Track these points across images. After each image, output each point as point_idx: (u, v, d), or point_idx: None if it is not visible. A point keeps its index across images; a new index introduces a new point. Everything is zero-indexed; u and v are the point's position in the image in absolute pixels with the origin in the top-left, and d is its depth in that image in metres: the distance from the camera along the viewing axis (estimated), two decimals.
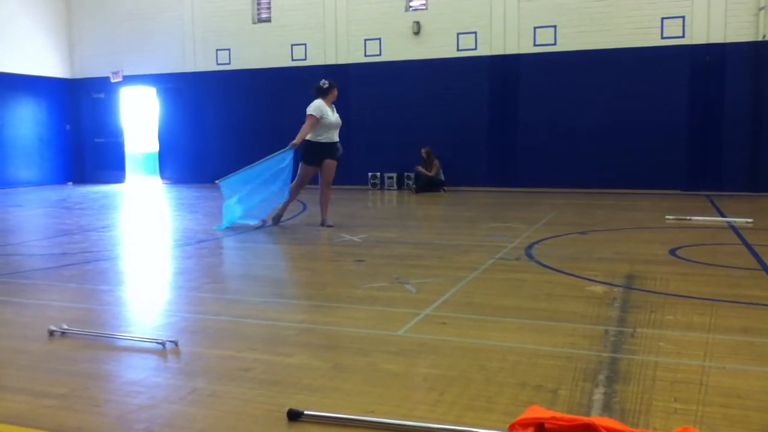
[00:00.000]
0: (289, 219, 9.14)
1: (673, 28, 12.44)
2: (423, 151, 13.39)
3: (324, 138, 7.90)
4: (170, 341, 3.41)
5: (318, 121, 7.80)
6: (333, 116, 7.93)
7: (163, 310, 4.38)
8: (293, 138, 7.95)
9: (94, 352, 3.38)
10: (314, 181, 8.26)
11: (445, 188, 13.42)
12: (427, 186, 13.30)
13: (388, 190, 13.97)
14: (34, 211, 10.95)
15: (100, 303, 4.54)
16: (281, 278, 5.71)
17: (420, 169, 13.46)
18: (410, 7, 14.28)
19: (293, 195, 8.18)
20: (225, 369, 3.10)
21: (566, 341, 3.46)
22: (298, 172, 8.05)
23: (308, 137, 7.87)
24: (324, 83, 8.02)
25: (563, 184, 13.00)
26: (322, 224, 8.06)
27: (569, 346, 3.37)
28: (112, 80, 16.73)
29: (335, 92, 8.03)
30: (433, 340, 3.54)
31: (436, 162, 13.50)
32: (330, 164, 8.00)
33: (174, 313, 4.21)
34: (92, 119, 17.23)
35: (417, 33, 14.05)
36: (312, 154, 7.92)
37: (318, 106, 7.84)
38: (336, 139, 8.01)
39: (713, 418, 2.49)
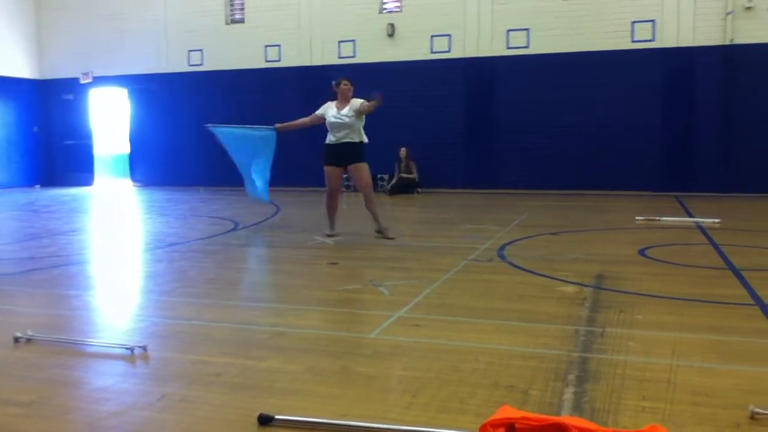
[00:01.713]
0: (262, 221, 9.09)
1: (643, 32, 12.62)
2: (402, 150, 13.43)
3: (328, 139, 7.32)
4: (139, 346, 3.36)
5: (322, 120, 7.34)
6: (334, 115, 7.21)
7: (132, 314, 4.33)
8: (276, 141, 7.79)
9: (62, 358, 3.32)
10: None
11: (419, 190, 13.45)
12: (402, 188, 13.31)
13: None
14: (1, 215, 10.74)
15: (68, 308, 4.46)
16: (254, 281, 5.67)
17: (388, 186, 13.43)
18: (384, 9, 14.30)
19: (328, 204, 7.51)
20: (196, 374, 3.07)
21: (538, 341, 3.49)
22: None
23: None
24: (332, 84, 7.41)
25: (537, 186, 13.11)
26: (378, 232, 7.27)
27: (541, 347, 3.40)
28: (82, 81, 16.49)
29: (342, 88, 7.24)
30: (406, 342, 3.54)
31: (412, 163, 13.54)
32: (354, 167, 7.29)
33: (144, 318, 4.16)
34: (61, 121, 16.97)
35: (391, 35, 14.07)
36: (324, 155, 7.39)
37: (322, 106, 7.39)
38: (346, 139, 7.20)
39: (681, 415, 2.53)
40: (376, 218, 7.34)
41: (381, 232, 7.26)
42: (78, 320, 4.17)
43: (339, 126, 7.20)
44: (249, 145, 7.91)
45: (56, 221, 9.52)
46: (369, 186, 7.40)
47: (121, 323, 4.12)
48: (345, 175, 7.85)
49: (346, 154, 7.25)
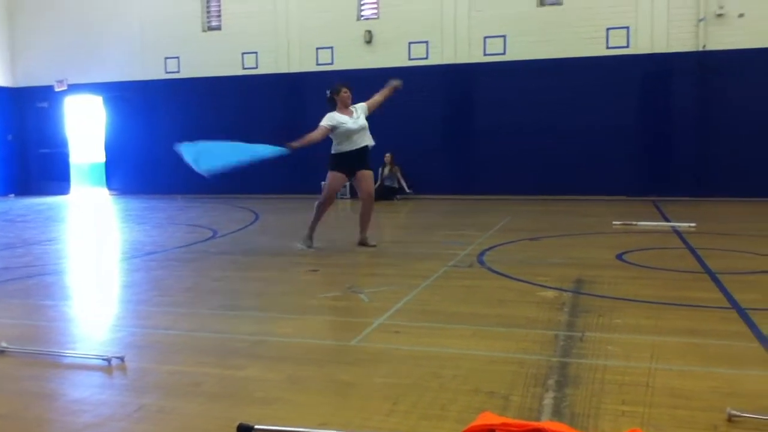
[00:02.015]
0: (241, 229, 9.04)
1: (618, 38, 12.78)
2: (387, 156, 13.50)
3: (346, 146, 7.02)
4: (116, 357, 3.31)
5: (333, 131, 7.01)
6: (351, 122, 6.98)
7: (110, 324, 4.27)
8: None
9: (37, 370, 3.27)
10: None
11: (398, 196, 13.47)
12: (382, 194, 13.32)
13: (341, 198, 13.89)
14: None
15: (43, 319, 4.39)
16: (233, 289, 5.62)
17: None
18: (362, 16, 14.32)
19: (322, 209, 7.23)
20: (174, 384, 3.03)
21: (518, 347, 3.50)
22: (326, 180, 7.18)
23: (332, 149, 7.13)
24: (327, 94, 7.16)
25: (516, 191, 13.18)
26: (361, 244, 7.16)
27: (521, 352, 3.40)
28: (57, 89, 16.29)
29: (342, 96, 7.06)
30: (387, 348, 3.53)
31: (395, 168, 13.59)
32: (362, 174, 7.10)
33: (121, 328, 4.11)
34: (36, 129, 16.73)
35: (369, 42, 14.10)
36: (335, 163, 7.14)
37: (328, 117, 7.03)
38: (363, 143, 7.05)
39: (660, 419, 2.54)
40: (364, 229, 7.21)
41: (364, 244, 7.16)
42: (54, 331, 4.10)
43: (358, 130, 7.00)
44: (247, 151, 7.19)
45: (31, 230, 9.38)
46: (372, 195, 7.22)
47: (98, 334, 4.06)
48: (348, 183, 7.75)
49: (363, 157, 7.09)
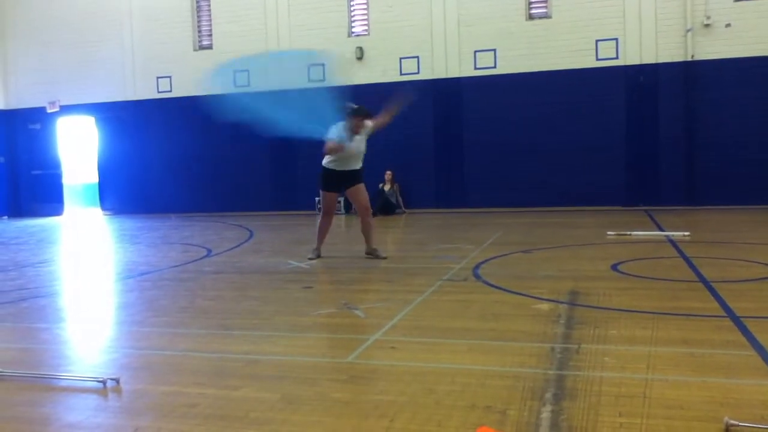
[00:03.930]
0: (235, 247, 9.02)
1: (607, 50, 12.88)
2: (388, 173, 13.55)
3: (338, 165, 7.24)
4: (111, 379, 3.29)
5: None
6: (354, 145, 7.17)
7: (104, 346, 4.24)
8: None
9: (31, 394, 3.24)
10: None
11: (398, 210, 13.51)
12: (382, 209, 13.34)
13: (336, 214, 13.91)
14: None
15: (37, 342, 4.37)
16: (227, 309, 5.60)
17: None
18: (353, 32, 14.40)
19: (322, 229, 7.56)
20: (169, 405, 3.01)
21: (514, 360, 3.49)
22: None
23: (325, 160, 7.31)
24: (350, 107, 7.21)
25: (508, 204, 13.21)
26: (369, 254, 7.37)
27: (517, 365, 3.40)
28: (49, 110, 16.30)
29: (356, 124, 7.11)
30: (382, 365, 3.52)
31: (396, 186, 13.63)
32: (353, 190, 7.36)
33: (116, 350, 4.08)
34: (28, 150, 16.73)
35: (360, 58, 14.17)
36: (326, 182, 7.42)
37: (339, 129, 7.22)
38: (353, 167, 7.31)
39: (657, 430, 2.54)
40: (368, 240, 7.40)
41: (371, 254, 7.30)
42: (47, 354, 4.08)
43: (356, 155, 7.27)
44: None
45: (24, 253, 9.34)
46: (367, 208, 7.45)
47: (92, 356, 4.04)
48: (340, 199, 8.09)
49: (352, 176, 7.33)
